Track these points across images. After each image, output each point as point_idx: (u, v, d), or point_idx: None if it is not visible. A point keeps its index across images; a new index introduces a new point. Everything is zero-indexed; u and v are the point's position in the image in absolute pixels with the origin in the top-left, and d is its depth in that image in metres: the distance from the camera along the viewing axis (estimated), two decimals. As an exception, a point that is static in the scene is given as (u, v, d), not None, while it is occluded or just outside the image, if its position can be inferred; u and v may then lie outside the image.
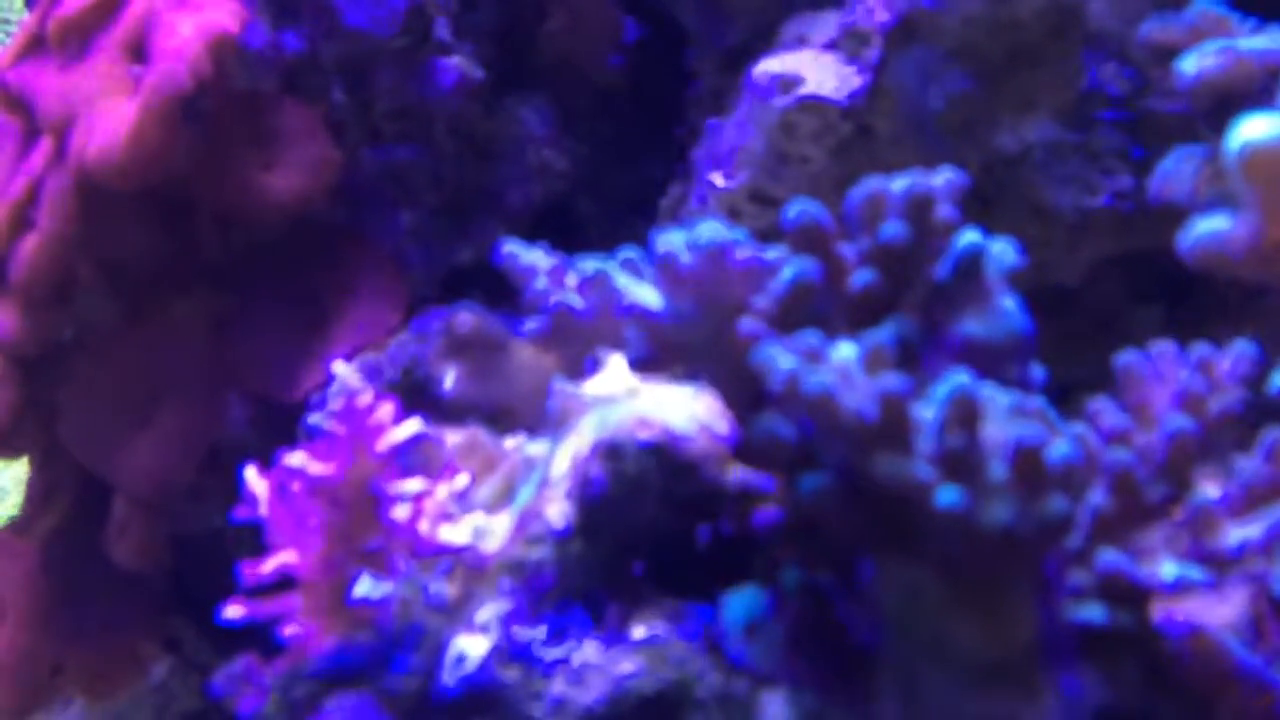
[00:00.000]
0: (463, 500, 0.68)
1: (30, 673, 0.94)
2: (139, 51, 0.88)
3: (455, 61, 0.94)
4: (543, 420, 0.72)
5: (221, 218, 0.91)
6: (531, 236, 0.74)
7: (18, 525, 0.99)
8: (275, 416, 0.93)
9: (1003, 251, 0.57)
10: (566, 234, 0.89)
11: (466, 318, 0.88)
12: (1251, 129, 0.46)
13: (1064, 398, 0.61)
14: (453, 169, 0.97)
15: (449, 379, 0.87)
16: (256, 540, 0.71)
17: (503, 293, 0.91)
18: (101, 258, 0.89)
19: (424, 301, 0.93)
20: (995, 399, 0.52)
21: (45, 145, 0.90)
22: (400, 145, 0.95)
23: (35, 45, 0.95)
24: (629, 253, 0.61)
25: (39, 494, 0.98)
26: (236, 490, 0.81)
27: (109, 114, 0.85)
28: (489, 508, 0.70)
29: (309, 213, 0.93)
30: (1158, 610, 0.57)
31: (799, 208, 0.56)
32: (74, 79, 0.89)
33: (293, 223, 0.93)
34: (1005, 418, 0.52)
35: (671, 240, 0.56)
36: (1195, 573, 0.53)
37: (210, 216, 0.91)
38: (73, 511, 0.97)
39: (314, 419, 0.85)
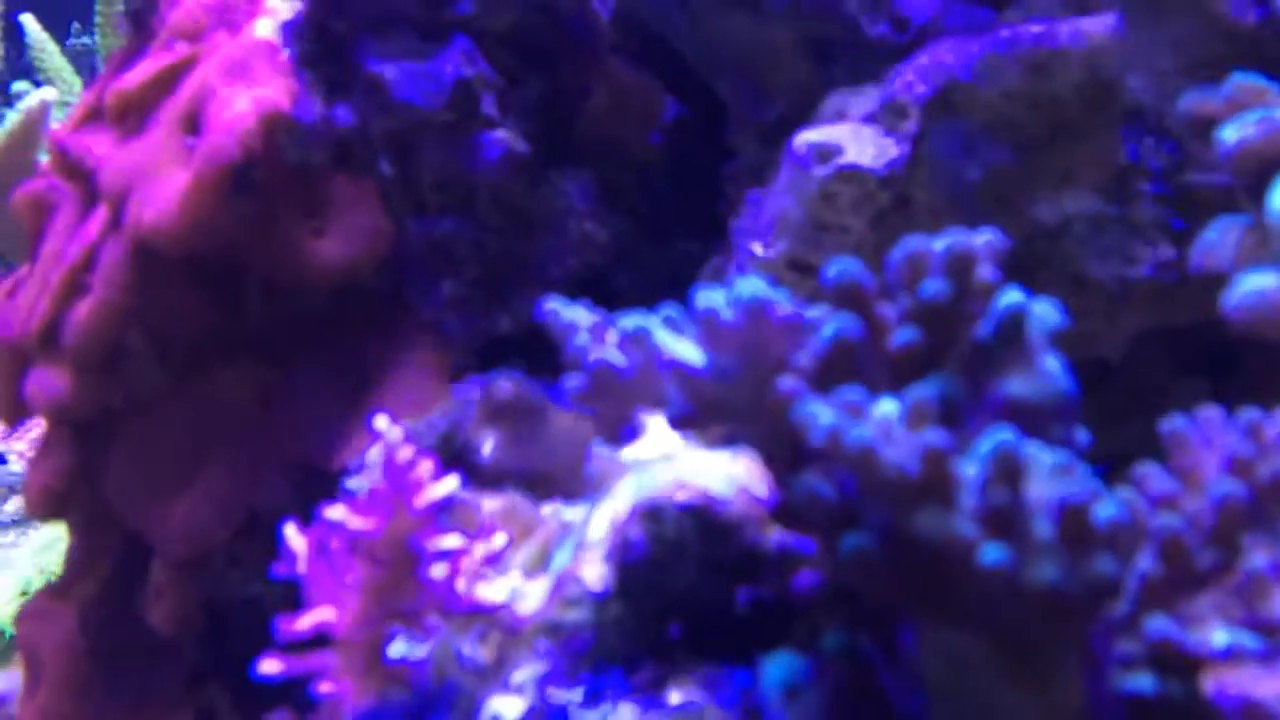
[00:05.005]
0: (499, 564, 0.68)
1: (63, 740, 0.94)
2: (194, 124, 0.91)
3: (500, 135, 0.96)
4: (581, 486, 0.72)
5: (269, 286, 0.93)
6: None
7: (56, 589, 1.00)
8: (314, 485, 0.94)
9: (1045, 312, 0.56)
10: (605, 306, 0.91)
11: (506, 385, 0.89)
12: None
13: (1107, 472, 0.61)
14: (495, 240, 0.98)
15: (487, 446, 0.87)
16: (293, 608, 0.71)
17: (542, 362, 0.92)
18: (152, 325, 0.91)
19: (464, 370, 0.95)
20: (1039, 457, 0.52)
21: (102, 213, 0.92)
22: (444, 216, 0.97)
23: (93, 116, 0.98)
24: (669, 310, 0.61)
25: (81, 559, 0.99)
26: (274, 558, 0.81)
27: (163, 184, 0.87)
28: (525, 572, 0.70)
29: (355, 282, 0.94)
30: (1209, 681, 0.55)
31: (838, 267, 0.56)
32: (132, 150, 0.92)
33: (337, 292, 0.95)
34: (1049, 476, 0.52)
35: (713, 297, 0.56)
36: (1248, 640, 0.52)
37: (259, 285, 0.93)
38: (112, 579, 0.97)
39: (353, 483, 0.86)
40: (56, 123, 1.33)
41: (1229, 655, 0.52)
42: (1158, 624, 0.53)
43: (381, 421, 0.60)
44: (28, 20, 1.53)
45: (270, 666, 0.60)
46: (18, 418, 1.01)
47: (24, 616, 1.00)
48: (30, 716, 0.96)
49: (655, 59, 1.07)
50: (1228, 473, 0.56)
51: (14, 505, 2.64)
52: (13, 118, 1.27)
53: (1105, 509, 0.50)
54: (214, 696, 0.99)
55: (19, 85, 1.43)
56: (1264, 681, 0.54)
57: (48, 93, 1.30)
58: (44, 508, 0.97)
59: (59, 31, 1.96)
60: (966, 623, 0.53)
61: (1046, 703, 0.53)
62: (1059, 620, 0.51)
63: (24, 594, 1.51)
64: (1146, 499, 0.57)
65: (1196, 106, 0.74)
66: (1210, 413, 0.59)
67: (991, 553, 0.49)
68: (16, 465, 1.69)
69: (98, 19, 1.52)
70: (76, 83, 1.51)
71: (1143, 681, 0.53)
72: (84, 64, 2.15)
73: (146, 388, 0.93)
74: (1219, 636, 0.52)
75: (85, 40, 2.52)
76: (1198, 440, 0.58)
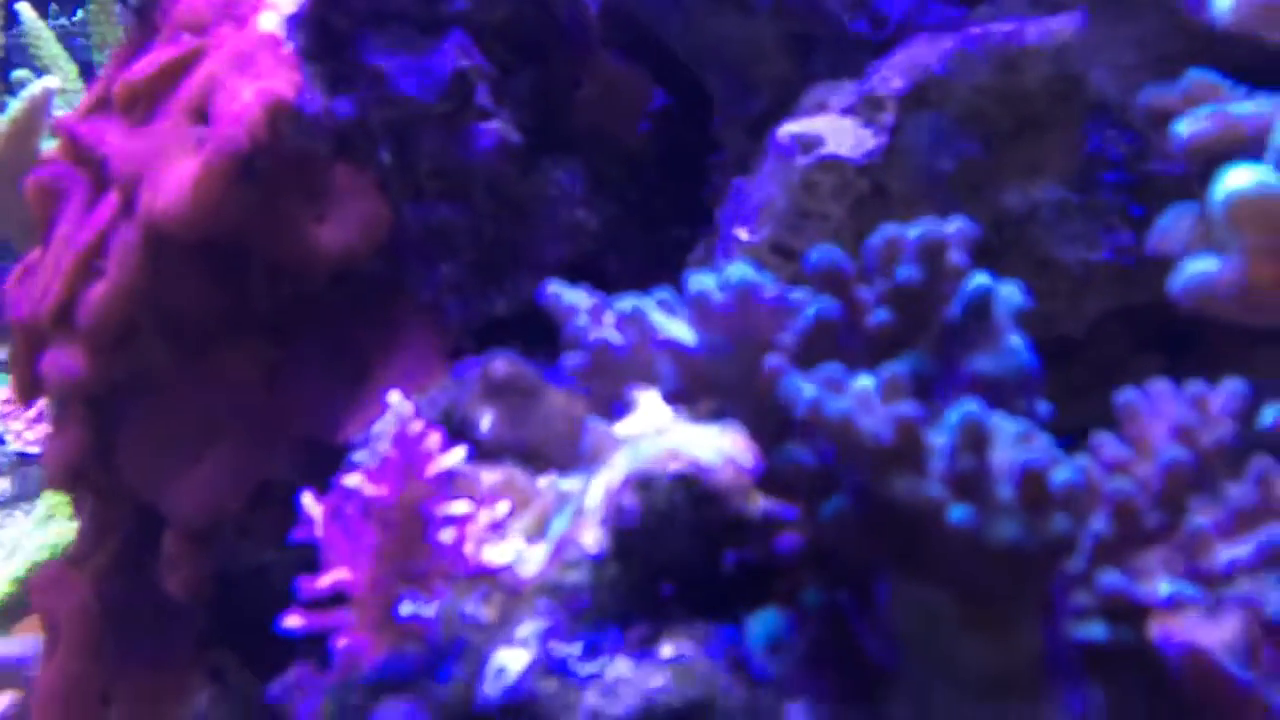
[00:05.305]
0: (499, 531, 0.72)
1: (80, 700, 0.98)
2: (202, 114, 0.95)
3: (495, 126, 1.00)
4: (574, 459, 0.76)
5: (273, 270, 0.97)
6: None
7: (71, 558, 1.03)
8: (319, 460, 0.98)
9: (1010, 293, 0.61)
10: (596, 289, 0.94)
11: (502, 364, 0.92)
12: (1236, 179, 0.51)
13: (1070, 443, 0.65)
14: (490, 226, 1.02)
15: (485, 422, 0.91)
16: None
17: (536, 342, 0.95)
18: (163, 306, 0.94)
19: (461, 350, 0.98)
20: (1003, 426, 0.56)
21: (113, 199, 0.96)
22: (441, 203, 1.00)
23: (102, 105, 1.01)
24: (663, 293, 0.65)
25: (93, 531, 1.02)
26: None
27: (173, 171, 0.90)
28: (526, 539, 0.74)
29: (354, 266, 0.98)
30: (1156, 630, 0.60)
31: (821, 253, 0.60)
32: (142, 139, 0.95)
33: (339, 276, 0.98)
34: (1012, 443, 0.56)
35: (704, 281, 0.60)
36: (1189, 589, 0.57)
37: (263, 269, 0.97)
38: (124, 548, 1.01)
39: (358, 456, 0.90)
40: (59, 110, 1.36)
41: (1172, 604, 0.57)
42: (1109, 578, 0.58)
43: (394, 396, 0.65)
44: (24, 8, 1.55)
45: (293, 621, 0.64)
46: (33, 395, 1.05)
47: (41, 583, 1.04)
48: (49, 678, 1.00)
49: (642, 51, 1.10)
50: (1175, 440, 0.61)
51: (1, 485, 2.66)
52: (16, 105, 1.30)
53: (1062, 473, 0.54)
54: (223, 659, 1.03)
55: (20, 73, 1.45)
56: (1207, 629, 0.59)
57: (51, 81, 1.32)
58: (62, 482, 1.00)
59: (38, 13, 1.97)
60: (935, 578, 0.57)
61: (1007, 650, 0.57)
62: (1019, 575, 0.56)
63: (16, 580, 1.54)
64: (1101, 464, 0.62)
65: (1155, 100, 0.77)
66: (1160, 386, 0.64)
67: (958, 513, 0.54)
68: (15, 444, 1.72)
69: (91, 6, 1.55)
70: (72, 69, 1.54)
71: (1095, 630, 0.58)
72: (62, 46, 2.17)
73: (158, 367, 0.97)
74: (1164, 587, 0.56)
75: (64, 22, 2.54)
76: (1148, 411, 0.63)
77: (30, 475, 2.62)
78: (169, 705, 1.00)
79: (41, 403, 1.47)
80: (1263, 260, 0.51)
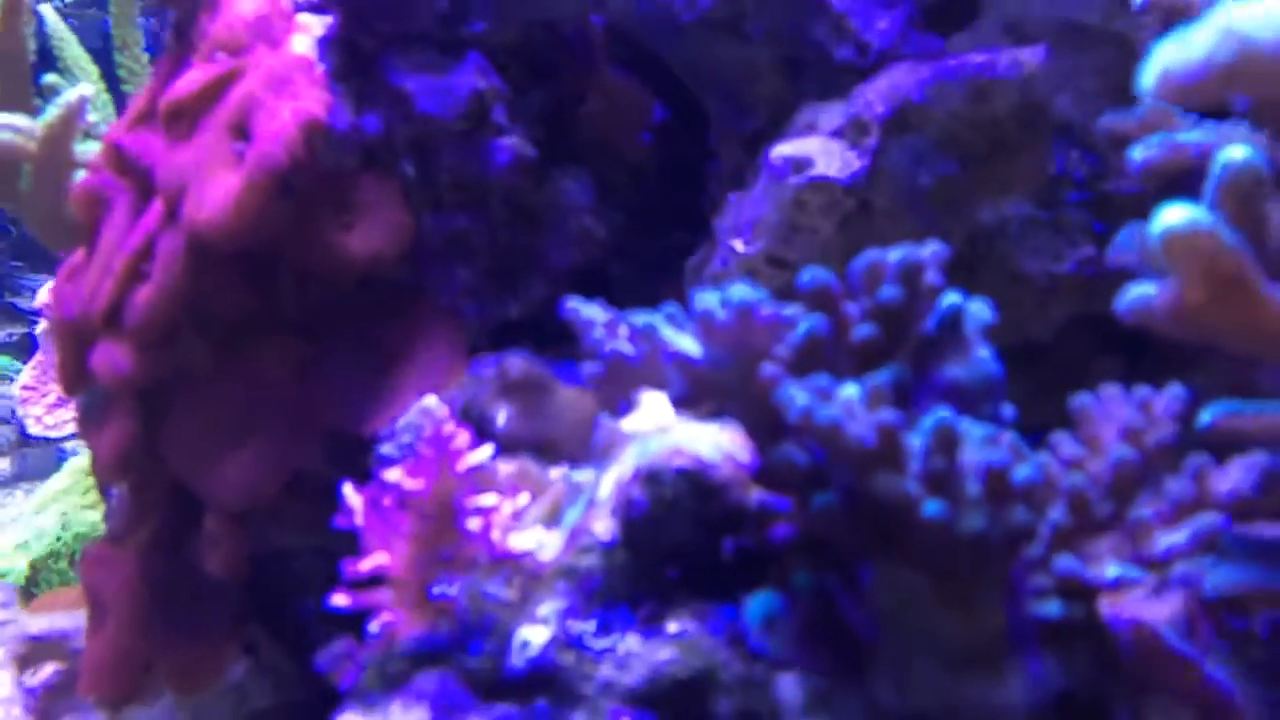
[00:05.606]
0: (518, 519, 0.79)
1: (127, 669, 1.04)
2: (241, 130, 1.01)
3: (510, 142, 1.06)
4: (585, 452, 0.82)
5: (304, 275, 1.03)
6: (571, 294, 0.85)
7: (114, 537, 1.10)
8: (346, 453, 1.04)
9: (979, 310, 0.67)
10: (601, 293, 1.00)
11: (517, 363, 0.99)
12: (1170, 216, 0.57)
13: (1038, 438, 0.71)
14: (505, 234, 1.07)
15: (501, 417, 0.97)
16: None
17: (545, 343, 1.02)
18: (203, 308, 1.00)
19: (477, 351, 1.04)
20: (972, 430, 0.61)
21: (158, 208, 1.02)
22: (460, 213, 1.06)
23: (144, 119, 1.07)
24: (671, 308, 0.72)
25: (132, 513, 1.08)
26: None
27: (216, 185, 0.97)
28: (541, 525, 0.80)
29: (380, 272, 1.04)
30: (1106, 608, 0.67)
31: (811, 274, 0.66)
32: (185, 152, 1.01)
33: (365, 280, 1.04)
34: (980, 445, 0.61)
35: (708, 299, 0.66)
36: (1134, 572, 0.63)
37: (296, 275, 1.03)
38: (163, 530, 1.07)
39: (385, 449, 0.97)
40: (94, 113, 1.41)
41: (1119, 585, 0.64)
42: (1064, 561, 0.64)
43: (431, 400, 0.71)
44: (46, 10, 1.60)
45: (340, 600, 0.71)
46: (79, 388, 1.11)
47: (87, 561, 1.11)
48: (99, 649, 1.07)
49: (642, 66, 1.16)
50: (1123, 440, 0.67)
51: (1, 465, 2.71)
52: (53, 111, 1.35)
53: (1022, 471, 0.60)
54: (255, 633, 1.10)
55: (50, 78, 1.50)
56: (1150, 606, 0.66)
57: (86, 88, 1.37)
58: (113, 470, 1.07)
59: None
60: (912, 563, 0.62)
61: (974, 626, 0.63)
62: (985, 560, 0.61)
63: (24, 544, 1.60)
64: (1059, 461, 0.68)
65: (1114, 126, 0.83)
66: (1111, 390, 0.70)
67: (931, 507, 0.59)
68: (35, 428, 1.77)
69: (113, 8, 1.60)
70: (94, 70, 1.59)
71: (1052, 607, 0.64)
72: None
73: (199, 364, 1.03)
74: (1111, 570, 0.63)
75: (57, 4, 2.58)
76: (1100, 413, 0.69)
77: (30, 456, 2.67)
78: (207, 676, 1.07)
79: (59, 390, 1.53)
80: (1193, 287, 0.57)
